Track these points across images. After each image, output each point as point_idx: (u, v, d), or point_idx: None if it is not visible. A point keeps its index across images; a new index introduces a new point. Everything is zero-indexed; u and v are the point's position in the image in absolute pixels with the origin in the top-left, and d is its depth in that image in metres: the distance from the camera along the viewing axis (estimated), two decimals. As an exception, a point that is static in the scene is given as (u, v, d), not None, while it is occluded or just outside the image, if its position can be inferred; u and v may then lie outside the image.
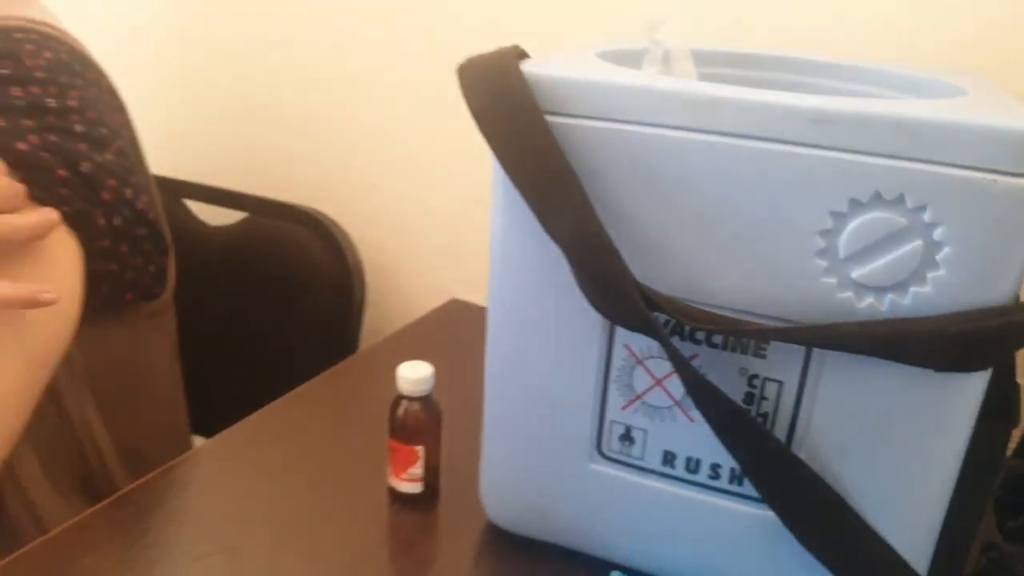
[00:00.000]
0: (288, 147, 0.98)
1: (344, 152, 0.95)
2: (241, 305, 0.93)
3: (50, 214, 0.56)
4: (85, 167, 0.60)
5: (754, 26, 0.70)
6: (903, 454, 0.41)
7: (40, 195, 0.56)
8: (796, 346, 0.41)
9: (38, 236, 0.55)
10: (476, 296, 0.91)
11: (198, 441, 0.87)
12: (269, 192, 0.92)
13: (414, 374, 0.54)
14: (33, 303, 0.53)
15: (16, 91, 0.58)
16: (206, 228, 0.94)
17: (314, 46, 0.92)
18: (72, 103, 0.61)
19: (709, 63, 0.56)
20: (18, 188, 0.54)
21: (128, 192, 0.64)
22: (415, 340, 0.82)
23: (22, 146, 0.56)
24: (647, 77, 0.42)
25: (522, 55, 0.46)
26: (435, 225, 0.93)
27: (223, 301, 0.92)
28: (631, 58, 0.52)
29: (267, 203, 0.91)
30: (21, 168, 0.55)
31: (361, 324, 0.89)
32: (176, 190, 0.93)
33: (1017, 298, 0.38)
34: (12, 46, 0.59)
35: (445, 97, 0.87)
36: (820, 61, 0.56)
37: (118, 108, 0.69)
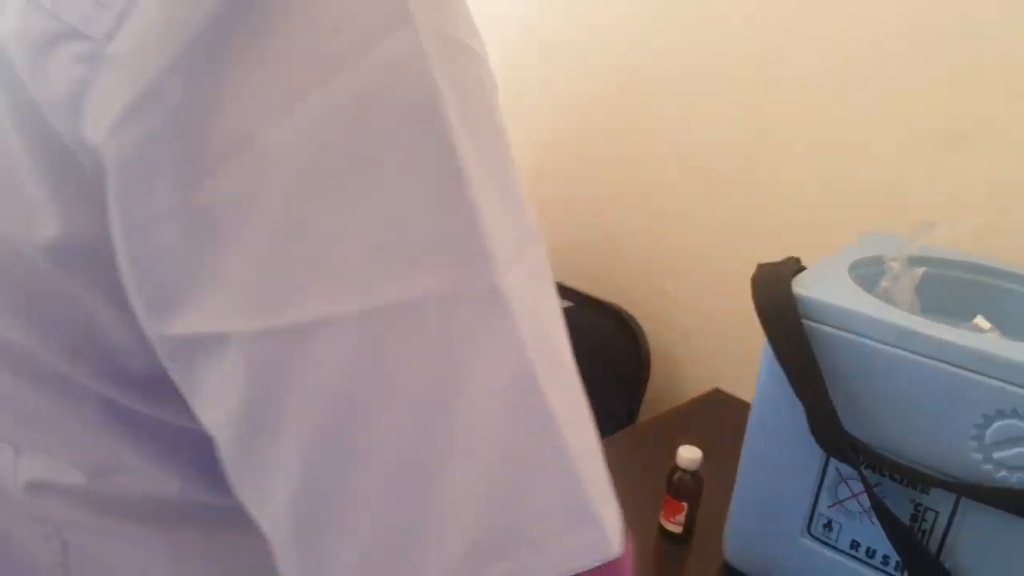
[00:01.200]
0: (609, 258, 1.32)
1: (649, 265, 1.26)
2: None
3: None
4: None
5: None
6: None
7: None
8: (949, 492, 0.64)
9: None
10: (735, 389, 1.16)
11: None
12: (590, 288, 1.26)
13: (690, 455, 0.82)
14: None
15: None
16: (543, 310, 1.30)
17: (645, 188, 1.25)
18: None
19: (939, 266, 0.78)
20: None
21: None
22: (685, 419, 1.10)
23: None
24: (871, 306, 0.66)
25: (798, 269, 0.72)
26: (708, 327, 1.21)
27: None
28: (876, 264, 0.76)
29: (588, 297, 1.24)
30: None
31: (643, 398, 1.19)
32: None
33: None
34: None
35: (727, 242, 1.15)
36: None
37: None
